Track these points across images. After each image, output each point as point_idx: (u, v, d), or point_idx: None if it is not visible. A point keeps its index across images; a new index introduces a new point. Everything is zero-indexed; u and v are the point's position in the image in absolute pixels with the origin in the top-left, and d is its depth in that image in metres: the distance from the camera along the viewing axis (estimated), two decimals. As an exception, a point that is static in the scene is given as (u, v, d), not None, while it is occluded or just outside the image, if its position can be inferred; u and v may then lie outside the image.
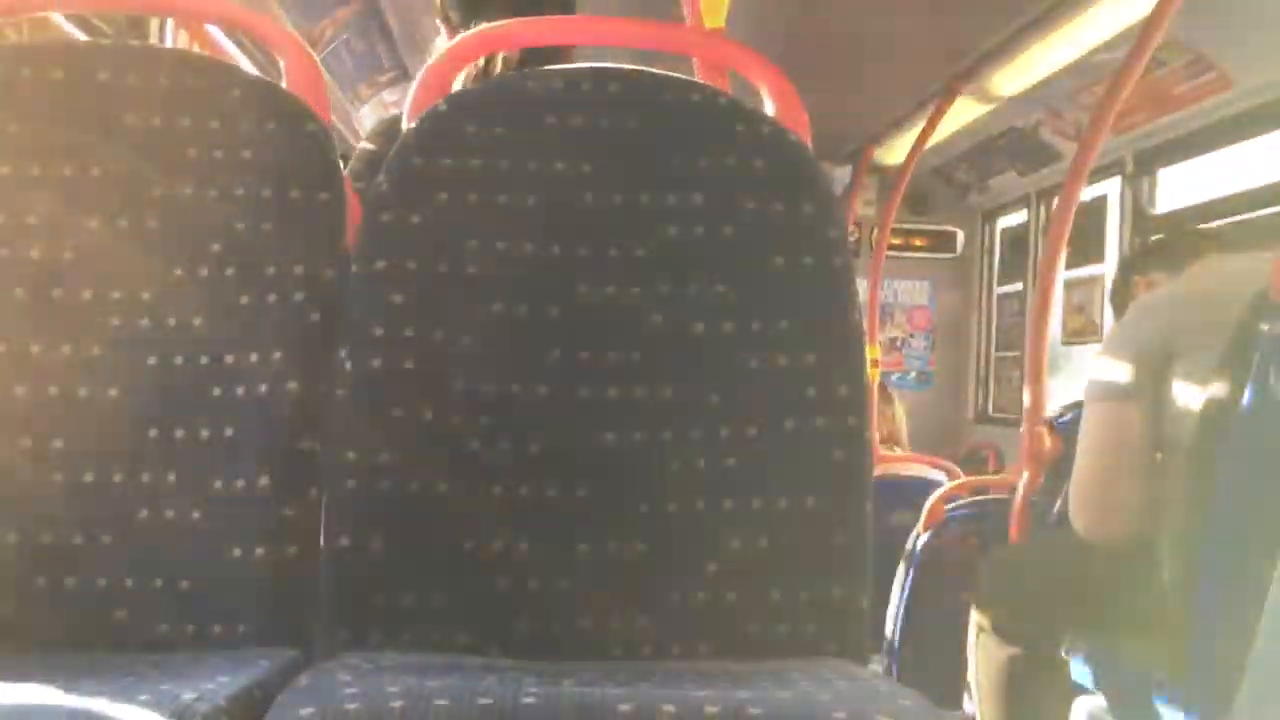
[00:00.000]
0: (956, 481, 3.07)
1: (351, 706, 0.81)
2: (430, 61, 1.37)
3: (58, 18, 2.04)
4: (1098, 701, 1.85)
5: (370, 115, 3.82)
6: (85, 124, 1.24)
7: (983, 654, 2.11)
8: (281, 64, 1.35)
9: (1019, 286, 4.88)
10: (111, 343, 1.18)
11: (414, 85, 1.35)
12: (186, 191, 1.23)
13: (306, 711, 0.81)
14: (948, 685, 2.37)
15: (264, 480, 1.13)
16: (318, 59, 1.43)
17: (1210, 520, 1.54)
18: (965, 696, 2.25)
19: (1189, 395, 1.67)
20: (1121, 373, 1.77)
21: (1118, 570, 1.83)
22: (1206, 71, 3.17)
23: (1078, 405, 2.56)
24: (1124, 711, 1.76)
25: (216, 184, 1.23)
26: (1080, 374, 4.55)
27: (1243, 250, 1.96)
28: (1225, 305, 1.59)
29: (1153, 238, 3.61)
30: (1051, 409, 2.61)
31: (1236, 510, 1.53)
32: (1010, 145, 4.45)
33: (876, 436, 3.91)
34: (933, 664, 2.49)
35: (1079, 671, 1.85)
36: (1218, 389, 1.57)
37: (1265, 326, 1.50)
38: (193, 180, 1.23)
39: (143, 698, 0.85)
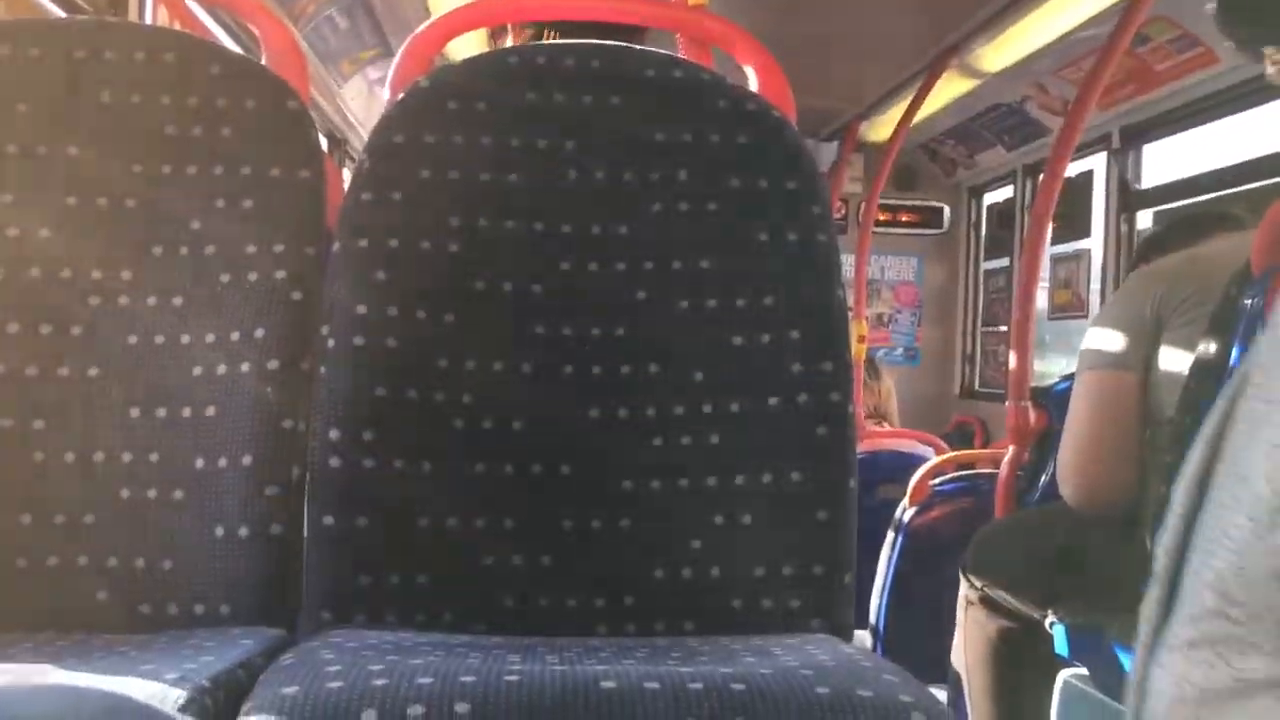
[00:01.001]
0: (943, 456, 3.08)
1: (335, 685, 0.81)
2: (412, 37, 1.36)
3: (35, -7, 2.01)
4: (1082, 673, 1.86)
5: (354, 92, 3.79)
6: (62, 101, 1.23)
7: (971, 626, 2.12)
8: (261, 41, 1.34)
9: (1005, 262, 4.88)
10: (91, 322, 1.17)
11: (395, 61, 1.34)
12: (165, 169, 1.22)
13: (290, 690, 0.81)
14: (933, 659, 2.39)
15: (246, 459, 1.13)
16: (299, 35, 1.42)
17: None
18: (950, 669, 2.27)
19: (1177, 366, 1.67)
20: (1114, 342, 1.77)
21: (1103, 542, 1.83)
22: (1192, 47, 3.17)
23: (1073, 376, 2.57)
24: (1107, 683, 1.77)
25: (195, 161, 1.22)
26: (1066, 350, 4.57)
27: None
28: (1215, 278, 1.59)
29: (1166, 223, 3.60)
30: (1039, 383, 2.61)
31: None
32: (997, 121, 4.45)
33: (863, 411, 3.91)
34: (918, 638, 2.50)
35: (1063, 643, 1.87)
36: (1201, 360, 1.58)
37: (1246, 300, 1.51)
38: (171, 158, 1.22)
39: (125, 678, 0.84)
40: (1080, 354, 1.87)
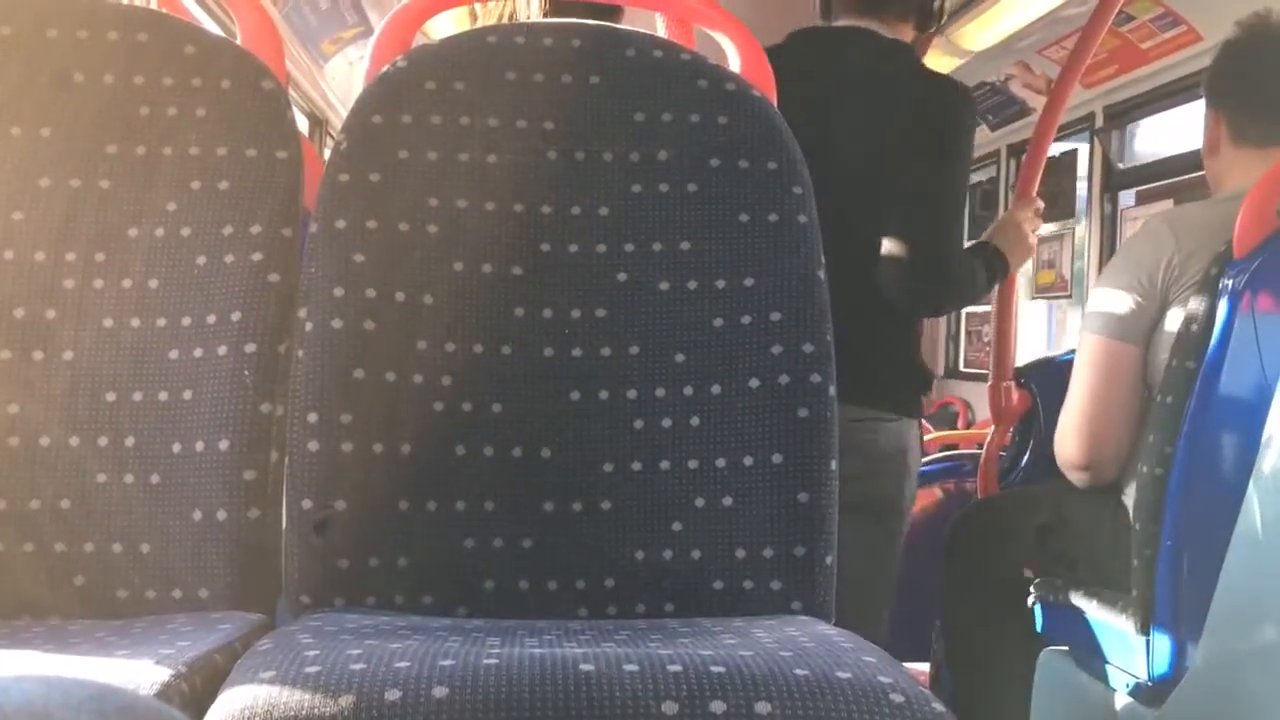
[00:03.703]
0: (927, 437, 3.09)
1: (312, 670, 0.81)
2: (390, 16, 1.35)
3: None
4: (1062, 650, 1.87)
5: (335, 72, 3.76)
6: (36, 82, 1.22)
7: (951, 604, 2.13)
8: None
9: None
10: (65, 305, 1.16)
11: (373, 40, 1.32)
12: (140, 150, 1.20)
13: (267, 675, 0.81)
14: (917, 637, 2.40)
15: (224, 443, 1.12)
16: (279, 14, 1.41)
17: (1175, 470, 1.56)
18: (932, 648, 2.28)
19: (1169, 342, 1.66)
20: (1119, 308, 1.74)
21: (1084, 519, 1.84)
22: (1175, 25, 3.17)
23: (1046, 361, 2.57)
24: (1088, 660, 1.78)
25: (171, 142, 1.20)
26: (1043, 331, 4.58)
27: None
28: (1225, 238, 1.56)
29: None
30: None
31: (1201, 462, 1.54)
32: (980, 100, 4.44)
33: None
34: (902, 617, 2.51)
35: (1045, 621, 1.88)
36: (1182, 340, 1.58)
37: (1226, 282, 1.51)
38: (146, 139, 1.21)
39: (100, 663, 0.84)
40: (1085, 313, 1.84)
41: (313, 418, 1.12)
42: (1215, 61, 1.85)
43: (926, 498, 2.77)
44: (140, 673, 0.83)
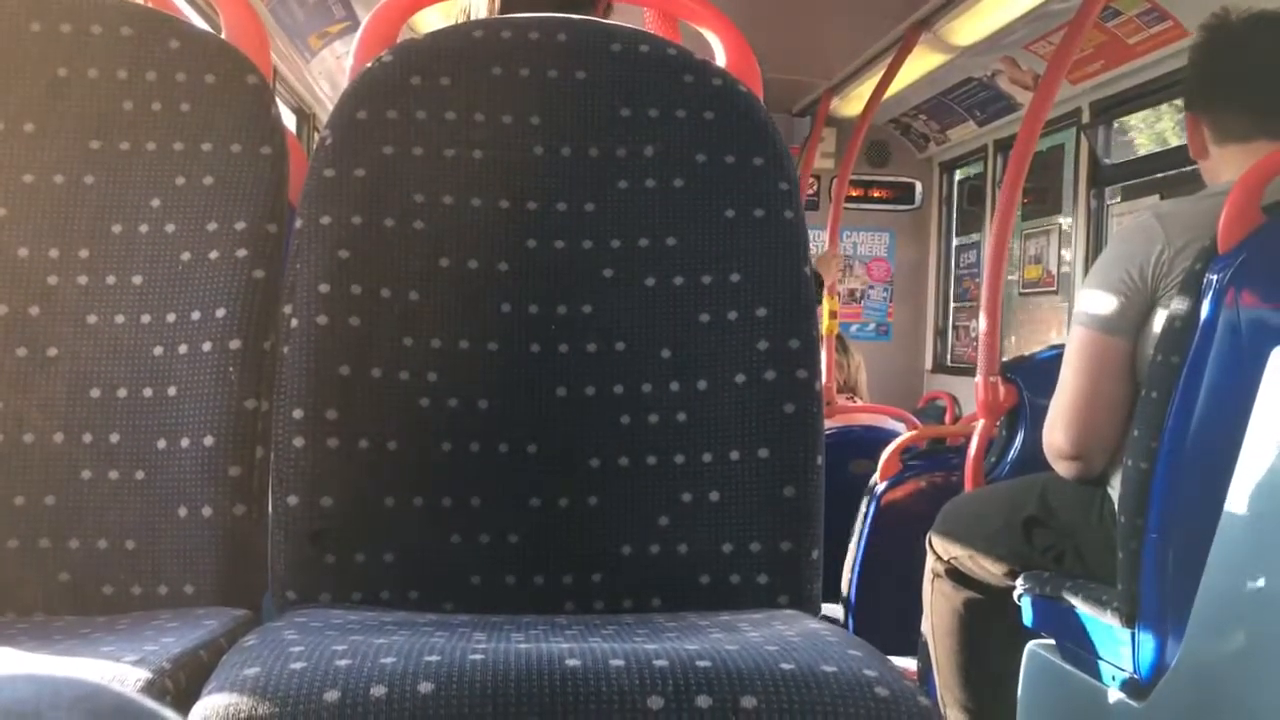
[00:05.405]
0: (913, 431, 3.09)
1: (297, 665, 0.81)
2: (375, 10, 1.34)
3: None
4: (1048, 643, 1.88)
5: (322, 66, 3.75)
6: (19, 77, 1.21)
7: (937, 598, 2.13)
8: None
9: (976, 238, 4.90)
10: (49, 301, 1.16)
11: (358, 35, 1.32)
12: (124, 146, 1.20)
13: (251, 671, 0.81)
14: (904, 632, 2.41)
15: (209, 439, 1.12)
16: (264, 9, 1.40)
17: (1160, 465, 1.56)
18: (919, 642, 2.28)
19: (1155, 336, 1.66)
20: (1107, 302, 1.74)
21: (1071, 511, 1.85)
22: (1162, 20, 3.18)
23: (1028, 357, 2.58)
24: (1074, 653, 1.79)
25: (155, 138, 1.20)
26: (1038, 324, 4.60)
27: None
28: (1213, 232, 1.56)
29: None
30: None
31: (1185, 457, 1.54)
32: (968, 95, 4.45)
33: (834, 386, 3.93)
34: (889, 612, 2.52)
35: (1031, 615, 1.88)
36: (1166, 334, 1.58)
37: (1211, 277, 1.51)
38: (130, 134, 1.20)
39: (85, 660, 0.84)
40: (1076, 306, 1.84)
41: (298, 414, 1.11)
42: (1188, 68, 1.86)
43: (914, 491, 2.78)
44: (125, 669, 0.83)
